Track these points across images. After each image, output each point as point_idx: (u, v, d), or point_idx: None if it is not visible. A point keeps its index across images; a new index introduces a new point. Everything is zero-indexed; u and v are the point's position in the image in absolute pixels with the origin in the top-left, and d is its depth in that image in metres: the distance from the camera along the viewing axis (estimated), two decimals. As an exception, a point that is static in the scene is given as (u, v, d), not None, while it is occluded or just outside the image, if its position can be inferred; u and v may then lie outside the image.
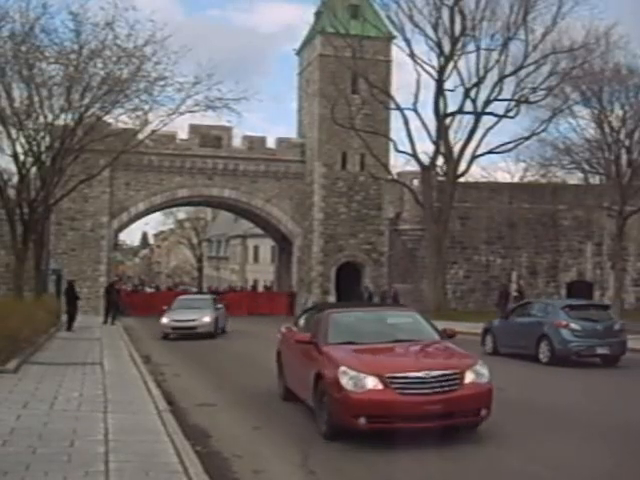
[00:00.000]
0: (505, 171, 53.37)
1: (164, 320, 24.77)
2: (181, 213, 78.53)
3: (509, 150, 34.04)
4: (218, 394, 12.22)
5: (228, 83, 61.94)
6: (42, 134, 24.24)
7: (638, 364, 16.41)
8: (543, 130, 33.26)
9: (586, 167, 34.91)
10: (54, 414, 8.88)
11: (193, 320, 24.44)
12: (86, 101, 23.86)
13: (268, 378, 12.33)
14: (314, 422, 8.96)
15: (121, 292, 39.29)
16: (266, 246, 62.21)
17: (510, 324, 18.66)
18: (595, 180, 36.69)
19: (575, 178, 38.24)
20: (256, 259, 69.56)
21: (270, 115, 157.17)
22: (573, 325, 16.62)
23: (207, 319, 24.64)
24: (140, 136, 27.39)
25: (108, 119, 25.89)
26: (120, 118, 25.33)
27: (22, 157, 24.20)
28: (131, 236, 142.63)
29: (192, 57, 50.93)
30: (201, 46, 66.74)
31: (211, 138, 41.56)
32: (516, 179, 41.77)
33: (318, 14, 41.80)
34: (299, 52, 46.32)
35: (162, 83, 24.06)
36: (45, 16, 22.87)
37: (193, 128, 40.51)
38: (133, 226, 46.87)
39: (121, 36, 23.13)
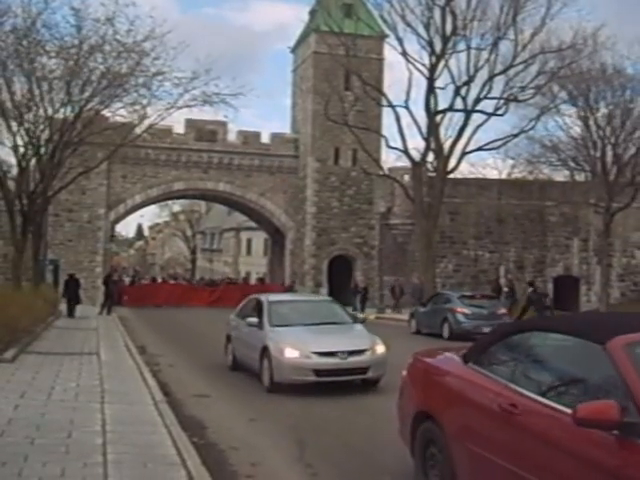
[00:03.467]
0: (493, 168, 53.72)
1: (289, 353, 11.59)
2: (176, 206, 79.20)
3: (498, 147, 34.47)
4: (212, 385, 12.29)
5: (224, 79, 62.35)
6: (42, 127, 24.36)
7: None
8: (531, 128, 33.73)
9: (572, 164, 35.61)
10: (51, 404, 8.85)
11: (360, 352, 11.81)
12: (86, 95, 24.07)
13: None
14: (309, 413, 8.42)
15: (119, 284, 39.95)
16: (259, 239, 62.81)
17: (427, 310, 23.77)
18: (581, 177, 37.39)
19: (561, 175, 38.95)
20: (249, 252, 70.15)
21: (263, 112, 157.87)
22: (465, 310, 21.94)
23: (382, 349, 12.20)
24: (138, 130, 27.74)
25: (107, 113, 26.18)
26: (119, 112, 25.58)
27: (22, 149, 24.30)
28: (127, 228, 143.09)
29: (188, 54, 51.35)
30: (196, 43, 67.31)
31: (207, 132, 42.14)
32: (504, 175, 42.36)
33: (312, 13, 42.47)
34: (294, 50, 46.93)
35: (160, 78, 24.28)
36: (47, 11, 22.99)
37: (189, 122, 41.04)
38: (129, 218, 47.47)
39: (121, 31, 23.36)
